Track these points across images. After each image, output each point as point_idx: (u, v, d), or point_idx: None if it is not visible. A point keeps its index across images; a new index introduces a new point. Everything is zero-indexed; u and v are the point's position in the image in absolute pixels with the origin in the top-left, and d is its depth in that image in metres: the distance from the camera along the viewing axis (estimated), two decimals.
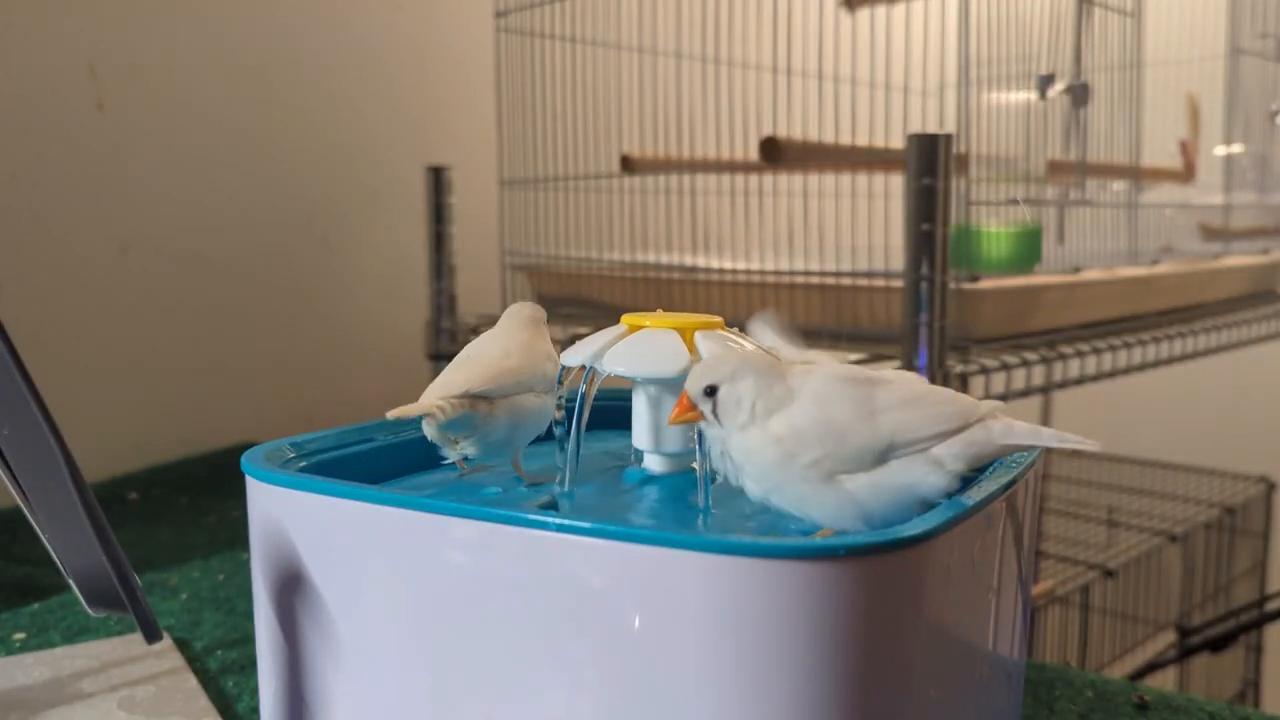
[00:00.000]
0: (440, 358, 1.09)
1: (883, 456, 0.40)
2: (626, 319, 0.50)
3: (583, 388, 0.48)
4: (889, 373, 0.44)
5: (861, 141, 0.90)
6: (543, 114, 1.05)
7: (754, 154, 0.91)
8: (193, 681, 0.57)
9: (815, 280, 0.88)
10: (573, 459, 0.48)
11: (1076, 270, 0.91)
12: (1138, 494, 1.46)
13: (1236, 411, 1.73)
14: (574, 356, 0.49)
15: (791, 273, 0.90)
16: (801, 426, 0.40)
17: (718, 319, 0.50)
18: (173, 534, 0.88)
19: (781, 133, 0.90)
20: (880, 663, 0.35)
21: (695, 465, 0.48)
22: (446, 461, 0.51)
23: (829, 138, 0.91)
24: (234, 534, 0.87)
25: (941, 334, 0.75)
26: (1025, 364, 0.80)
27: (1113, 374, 0.90)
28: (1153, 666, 1.21)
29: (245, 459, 0.44)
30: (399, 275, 1.26)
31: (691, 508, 0.46)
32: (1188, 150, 1.22)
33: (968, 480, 0.41)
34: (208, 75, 1.10)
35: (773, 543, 0.34)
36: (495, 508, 0.37)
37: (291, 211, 1.18)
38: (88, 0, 1.00)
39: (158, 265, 1.07)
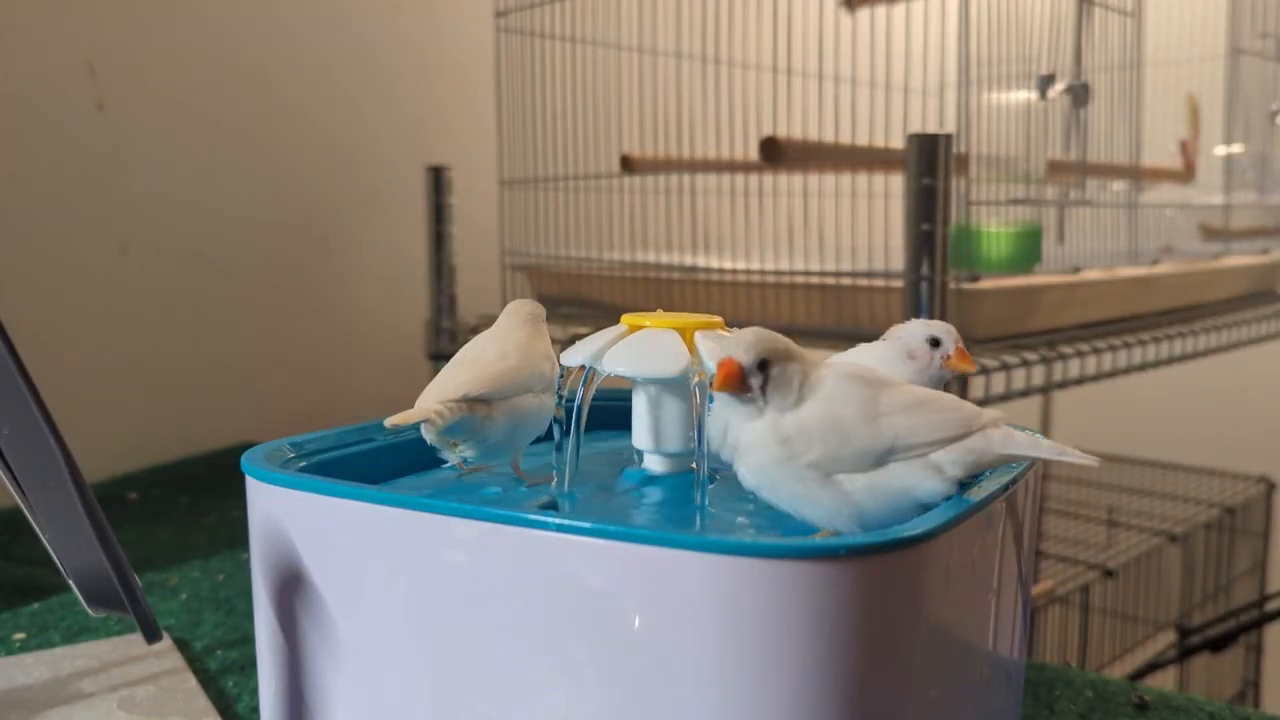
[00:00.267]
0: (440, 358, 1.09)
1: (883, 459, 0.40)
2: (626, 319, 0.50)
3: (582, 388, 0.48)
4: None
5: (861, 141, 0.90)
6: (543, 114, 1.05)
7: (754, 154, 0.91)
8: (193, 681, 0.57)
9: (815, 280, 0.88)
10: (572, 459, 0.48)
11: (1076, 270, 0.91)
12: (1138, 494, 1.46)
13: (1236, 411, 1.73)
14: (574, 356, 0.49)
15: (791, 273, 0.90)
16: (808, 424, 0.40)
17: (718, 319, 0.50)
18: (173, 534, 0.88)
19: (781, 133, 0.90)
20: (880, 663, 0.35)
21: (695, 465, 0.48)
22: (448, 464, 0.51)
23: (829, 138, 0.91)
24: (234, 534, 0.87)
25: None
26: (1025, 364, 0.80)
27: (1113, 374, 0.90)
28: (1153, 666, 1.21)
29: (245, 459, 0.44)
30: (399, 275, 1.26)
31: (691, 508, 0.46)
32: (1188, 150, 1.22)
33: (964, 486, 0.41)
34: (208, 75, 1.10)
35: (773, 543, 0.34)
36: (495, 508, 0.37)
37: (291, 211, 1.18)
38: (87, 0, 1.00)
39: (158, 265, 1.07)
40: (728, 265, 0.95)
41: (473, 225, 1.14)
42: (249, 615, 0.57)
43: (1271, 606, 1.34)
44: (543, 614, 0.36)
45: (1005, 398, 0.78)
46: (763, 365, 0.40)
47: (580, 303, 1.04)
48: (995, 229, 0.84)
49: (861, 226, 0.93)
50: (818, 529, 0.41)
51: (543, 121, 1.05)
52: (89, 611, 0.46)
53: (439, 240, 1.09)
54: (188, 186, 1.09)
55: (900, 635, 0.35)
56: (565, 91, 1.04)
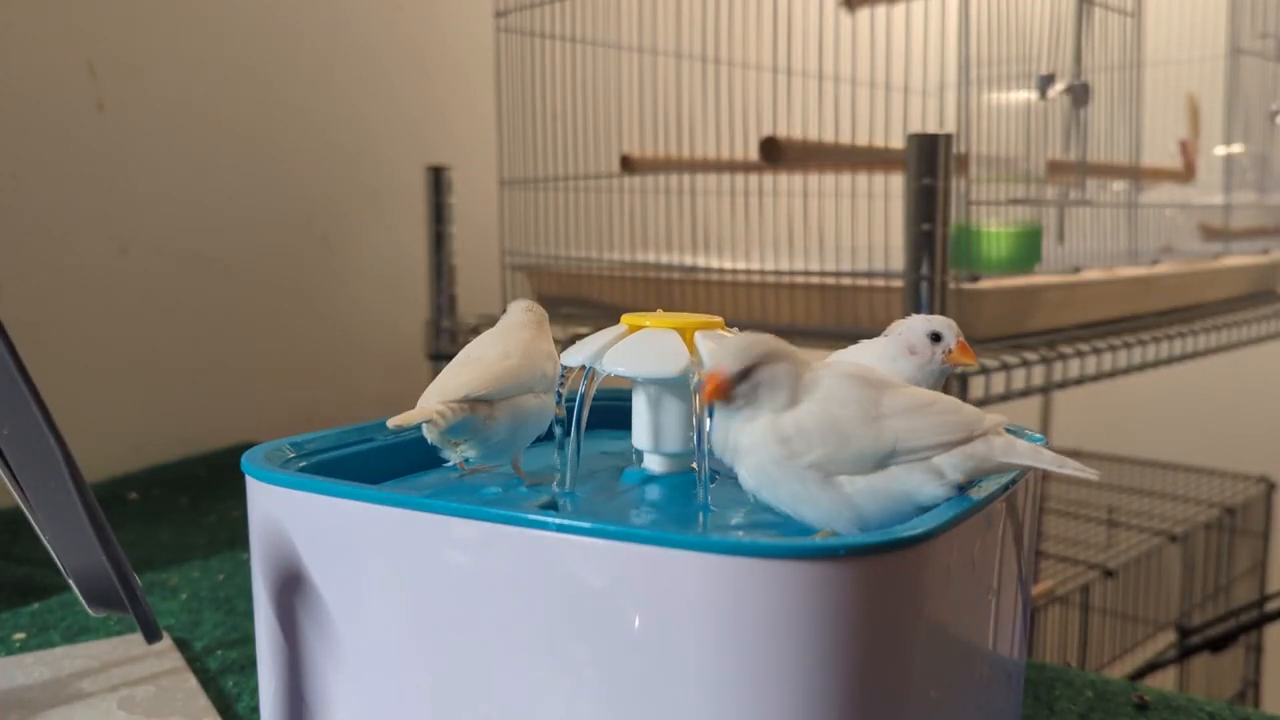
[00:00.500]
0: (440, 358, 1.09)
1: (883, 462, 0.40)
2: (626, 319, 0.50)
3: (583, 388, 0.48)
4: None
5: (861, 141, 0.90)
6: (543, 114, 1.05)
7: (754, 154, 0.91)
8: (193, 681, 0.57)
9: (815, 280, 0.88)
10: (573, 459, 0.48)
11: (1076, 270, 0.91)
12: (1138, 494, 1.46)
13: (1236, 411, 1.73)
14: (574, 356, 0.49)
15: (791, 273, 0.90)
16: (807, 425, 0.40)
17: (718, 319, 0.50)
18: (173, 534, 0.88)
19: (781, 133, 0.90)
20: (880, 663, 0.35)
21: (695, 465, 0.48)
22: (448, 463, 0.51)
23: (829, 138, 0.91)
24: (234, 534, 0.87)
25: None
26: (1025, 364, 0.80)
27: (1113, 374, 0.90)
28: (1153, 666, 1.21)
29: (245, 459, 0.44)
30: (399, 275, 1.26)
31: (691, 508, 0.46)
32: (1188, 150, 1.22)
33: (963, 488, 0.41)
34: (208, 75, 1.10)
35: (773, 543, 0.34)
36: (495, 508, 0.37)
37: (291, 211, 1.18)
38: (87, 0, 1.00)
39: (158, 265, 1.07)
40: (728, 265, 0.95)
41: (473, 225, 1.14)
42: (249, 615, 0.57)
43: (1271, 606, 1.34)
44: (543, 614, 0.36)
45: (1005, 397, 0.78)
46: (749, 372, 0.40)
47: (580, 303, 1.04)
48: (995, 229, 0.84)
49: (861, 226, 0.93)
50: (817, 530, 0.41)
51: (543, 121, 1.05)
52: (89, 611, 0.46)
53: (439, 240, 1.09)
54: (188, 186, 1.09)
55: (900, 635, 0.35)
56: (565, 91, 1.04)
